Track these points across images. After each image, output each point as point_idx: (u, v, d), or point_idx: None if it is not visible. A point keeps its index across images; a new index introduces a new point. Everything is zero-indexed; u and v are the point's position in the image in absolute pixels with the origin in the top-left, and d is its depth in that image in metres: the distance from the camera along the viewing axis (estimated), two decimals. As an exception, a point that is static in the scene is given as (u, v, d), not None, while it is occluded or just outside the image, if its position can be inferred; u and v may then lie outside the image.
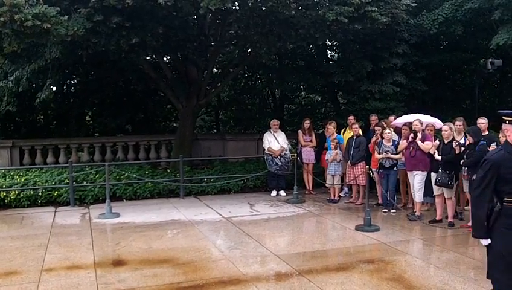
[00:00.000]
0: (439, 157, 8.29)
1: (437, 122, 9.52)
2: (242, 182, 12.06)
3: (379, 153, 9.59)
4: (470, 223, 8.11)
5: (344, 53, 15.01)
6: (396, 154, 9.47)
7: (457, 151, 8.27)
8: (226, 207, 10.26)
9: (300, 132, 12.03)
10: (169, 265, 6.48)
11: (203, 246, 7.41)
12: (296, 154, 11.60)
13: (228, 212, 9.74)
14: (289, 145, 11.95)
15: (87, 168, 11.58)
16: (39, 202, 10.54)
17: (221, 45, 13.17)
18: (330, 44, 16.47)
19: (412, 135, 9.06)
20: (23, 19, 8.55)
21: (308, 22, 10.42)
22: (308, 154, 11.81)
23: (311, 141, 11.90)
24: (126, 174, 11.27)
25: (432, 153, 8.60)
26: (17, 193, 10.48)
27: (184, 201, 11.02)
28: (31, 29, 8.78)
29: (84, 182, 11.02)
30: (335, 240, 7.85)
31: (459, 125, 8.90)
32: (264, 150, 11.81)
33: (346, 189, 11.55)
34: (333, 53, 17.32)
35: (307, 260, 6.67)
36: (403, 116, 10.45)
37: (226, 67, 15.96)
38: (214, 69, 16.50)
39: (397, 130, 10.14)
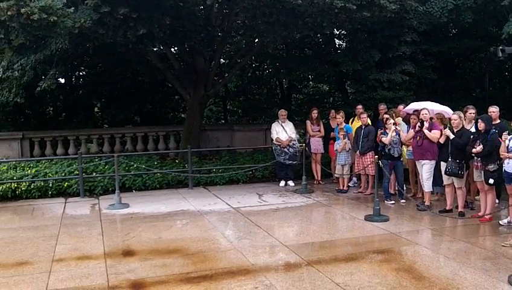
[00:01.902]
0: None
1: (446, 111, 9.44)
2: (250, 172, 12.07)
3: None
4: (481, 213, 8.14)
5: (352, 42, 14.93)
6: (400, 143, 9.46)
7: (442, 141, 8.39)
8: (234, 197, 10.28)
9: (308, 122, 11.99)
10: (179, 255, 6.51)
11: (212, 236, 7.43)
12: (304, 144, 11.57)
13: (237, 203, 9.75)
14: (297, 136, 11.92)
15: (97, 160, 11.65)
16: (49, 193, 10.62)
17: (228, 35, 13.12)
18: (338, 33, 16.39)
19: (418, 124, 8.98)
20: (29, 12, 8.56)
21: (315, 11, 10.34)
22: (316, 144, 11.77)
23: (319, 130, 11.85)
24: (135, 165, 11.32)
25: (441, 142, 8.53)
26: (27, 184, 10.57)
27: (193, 191, 11.05)
28: (37, 22, 8.80)
29: (94, 173, 11.09)
30: (344, 230, 7.84)
31: (472, 113, 8.80)
32: (272, 140, 11.79)
33: (355, 179, 11.52)
34: (341, 42, 17.23)
35: (315, 250, 6.67)
36: (413, 103, 10.40)
37: (233, 58, 15.91)
38: (221, 60, 16.47)
39: (406, 119, 10.09)
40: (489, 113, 8.38)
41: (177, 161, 12.48)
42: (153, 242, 7.15)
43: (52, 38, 11.67)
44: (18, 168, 11.31)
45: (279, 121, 11.77)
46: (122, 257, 6.52)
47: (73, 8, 9.49)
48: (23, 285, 5.60)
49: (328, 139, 11.85)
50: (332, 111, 12.16)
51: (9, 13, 8.57)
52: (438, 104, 9.76)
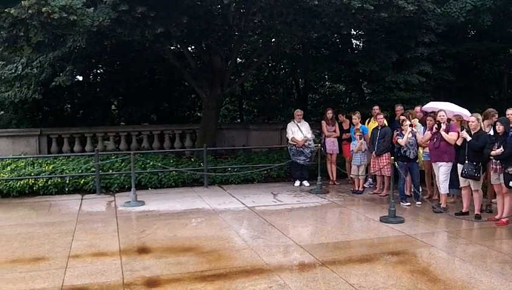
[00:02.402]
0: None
1: (464, 114, 9.33)
2: (265, 171, 12.08)
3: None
4: (497, 216, 8.04)
5: (369, 42, 14.85)
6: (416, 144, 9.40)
7: (459, 143, 8.35)
8: (249, 197, 10.29)
9: (323, 122, 11.96)
10: (193, 253, 6.55)
11: (226, 235, 7.46)
12: (319, 145, 11.55)
13: (251, 202, 9.77)
14: (313, 136, 11.89)
15: (113, 157, 11.76)
16: (66, 189, 10.74)
17: (245, 34, 13.14)
18: (355, 33, 16.31)
19: (435, 125, 8.91)
20: (50, 11, 8.66)
21: (332, 11, 10.31)
22: (331, 145, 11.74)
23: (334, 131, 11.82)
24: (151, 163, 11.40)
25: (458, 144, 8.46)
26: (45, 180, 10.69)
27: (208, 190, 11.10)
28: (57, 21, 8.90)
29: (110, 171, 11.20)
30: (359, 231, 7.81)
31: (510, 114, 8.33)
32: (288, 140, 11.79)
33: (370, 180, 11.46)
34: (358, 42, 17.14)
35: (330, 250, 6.66)
36: (431, 102, 10.34)
37: (249, 57, 15.94)
38: (238, 59, 16.50)
39: (422, 121, 10.02)
40: (507, 116, 8.26)
41: (192, 160, 12.54)
42: (168, 240, 7.20)
43: (70, 36, 11.80)
44: (35, 165, 11.46)
45: (295, 121, 11.76)
46: (138, 254, 6.57)
47: (92, 8, 9.58)
48: (39, 280, 5.67)
49: (341, 140, 11.82)
50: (340, 115, 12.10)
51: (30, 11, 8.69)
52: (455, 106, 9.67)
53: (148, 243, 7.03)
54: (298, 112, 11.95)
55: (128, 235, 7.51)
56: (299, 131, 11.58)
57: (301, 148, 11.42)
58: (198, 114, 18.83)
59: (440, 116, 8.90)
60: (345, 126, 11.81)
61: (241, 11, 12.34)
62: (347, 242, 7.08)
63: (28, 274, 5.87)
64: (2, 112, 15.70)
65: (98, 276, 5.77)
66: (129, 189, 10.13)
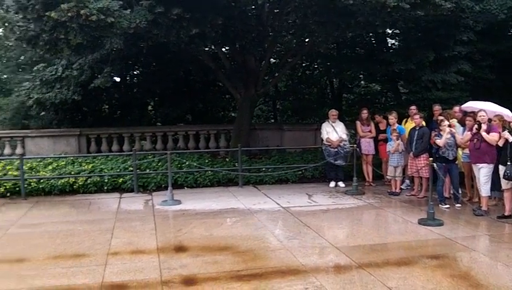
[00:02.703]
0: None
1: (506, 114, 9.09)
2: (300, 172, 12.04)
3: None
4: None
5: (405, 41, 14.63)
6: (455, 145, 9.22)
7: (500, 144, 8.15)
8: (284, 197, 10.28)
9: (358, 123, 11.85)
10: (229, 253, 6.59)
11: (261, 235, 7.47)
12: (355, 145, 11.44)
13: (286, 202, 9.76)
14: (348, 136, 11.79)
15: (150, 157, 11.95)
16: (105, 188, 10.96)
17: (278, 34, 13.15)
18: (390, 32, 16.09)
19: (476, 126, 8.70)
20: (88, 13, 8.88)
21: (368, 10, 10.20)
22: (367, 145, 11.62)
23: (370, 131, 11.70)
24: (187, 163, 11.52)
25: (500, 145, 8.25)
26: (84, 179, 10.95)
27: (242, 190, 11.14)
28: (95, 23, 9.11)
29: (147, 170, 11.37)
30: (396, 233, 7.70)
31: None
32: (322, 140, 11.72)
33: (407, 181, 11.28)
34: (394, 41, 16.90)
35: (366, 253, 6.59)
36: (471, 102, 10.12)
37: (283, 57, 15.92)
38: (272, 59, 16.51)
39: (461, 121, 9.80)
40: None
41: (227, 160, 12.62)
42: (204, 239, 7.27)
43: (107, 38, 12.04)
44: (75, 164, 11.75)
45: (330, 121, 11.68)
46: (175, 253, 6.66)
47: (129, 10, 9.75)
48: (80, 276, 5.81)
49: (377, 140, 11.69)
50: (377, 116, 11.96)
51: (69, 14, 8.92)
52: (496, 105, 9.42)
53: (185, 242, 7.11)
54: (333, 112, 11.87)
55: (166, 233, 7.61)
56: (333, 131, 11.50)
57: (336, 149, 11.34)
58: (233, 114, 18.93)
59: (480, 116, 8.69)
60: (382, 127, 11.66)
61: (275, 11, 12.35)
62: (384, 244, 7.00)
63: (69, 270, 6.02)
64: (43, 113, 16.13)
65: (137, 273, 5.87)
66: (166, 188, 10.26)
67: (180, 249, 6.82)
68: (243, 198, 10.19)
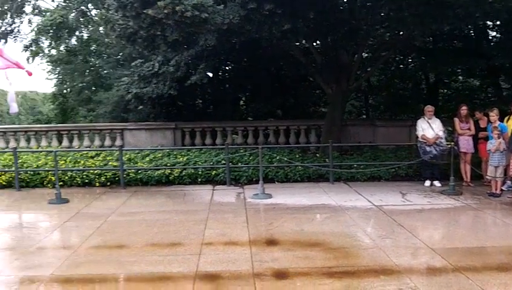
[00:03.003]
0: None
1: None
2: (393, 170, 11.70)
3: None
4: None
5: (508, 33, 13.70)
6: None
7: None
8: (376, 195, 10.05)
9: (456, 119, 11.28)
10: (320, 249, 6.57)
11: (353, 232, 7.37)
12: (452, 143, 10.92)
13: (379, 200, 9.54)
14: (445, 133, 11.28)
15: (242, 151, 12.18)
16: (199, 180, 11.35)
17: (371, 28, 12.82)
18: (491, 24, 15.13)
19: None
20: (183, 10, 9.20)
21: (467, 0, 9.66)
22: (465, 143, 11.04)
23: (469, 128, 11.10)
24: (278, 157, 11.62)
25: None
26: (179, 171, 11.41)
27: (333, 186, 11.04)
28: (190, 19, 9.43)
29: (239, 163, 11.62)
30: (496, 237, 7.25)
31: None
32: (417, 137, 11.30)
33: (509, 182, 10.58)
34: (495, 33, 15.90)
35: (464, 256, 6.28)
36: None
37: (376, 51, 15.51)
38: (364, 53, 16.14)
39: None
40: None
41: (318, 155, 12.55)
42: (295, 234, 7.30)
43: (201, 34, 12.40)
44: (171, 156, 12.26)
45: (426, 118, 11.23)
46: (266, 246, 6.76)
47: (222, 5, 9.98)
48: (176, 264, 6.07)
49: (477, 139, 11.07)
50: (477, 112, 11.32)
51: (165, 11, 9.30)
52: None
53: (276, 236, 7.19)
54: (429, 108, 11.40)
55: (257, 226, 7.74)
56: (429, 128, 11.05)
57: (432, 146, 10.90)
58: (323, 110, 18.77)
59: None
60: (482, 124, 11.04)
61: (368, 4, 12.04)
62: (483, 248, 6.63)
63: (166, 258, 6.31)
64: (141, 106, 16.94)
65: (230, 264, 6.03)
66: (257, 182, 10.43)
67: (271, 242, 6.91)
68: (334, 194, 10.10)
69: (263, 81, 16.92)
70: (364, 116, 20.62)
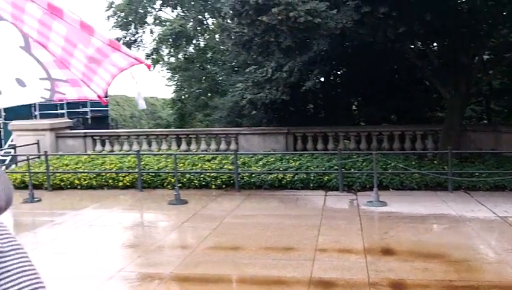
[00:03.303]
0: None
1: None
2: (519, 179, 10.86)
3: None
4: None
5: None
6: None
7: None
8: (500, 205, 9.37)
9: None
10: (439, 261, 6.31)
11: (475, 245, 6.99)
12: None
13: (503, 212, 8.88)
14: None
15: (355, 156, 12.02)
16: (311, 185, 11.36)
17: (493, 28, 12.04)
18: None
19: None
20: (297, 15, 9.33)
21: None
22: None
23: None
24: (392, 164, 11.31)
25: None
26: (292, 175, 11.52)
27: (452, 195, 10.47)
28: (303, 24, 9.53)
29: (352, 169, 11.47)
30: None
31: None
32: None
33: None
34: None
35: None
36: None
37: (499, 53, 14.54)
38: (485, 55, 15.19)
39: None
40: None
41: (435, 162, 12.01)
42: (412, 244, 7.07)
43: (314, 40, 12.46)
44: (283, 161, 12.42)
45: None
46: (382, 255, 6.63)
47: (335, 9, 9.96)
48: (290, 269, 6.16)
49: None
50: None
51: (279, 17, 9.51)
52: None
53: (392, 245, 7.02)
54: None
55: (372, 234, 7.61)
56: None
57: None
58: (440, 114, 17.92)
59: None
60: None
61: (489, 3, 11.33)
62: None
63: (279, 262, 6.43)
64: (254, 112, 17.41)
65: (344, 272, 6.00)
66: (370, 189, 10.24)
67: (387, 252, 6.77)
68: (453, 204, 9.60)
69: (376, 85, 16.57)
70: (485, 122, 19.35)
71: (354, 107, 19.27)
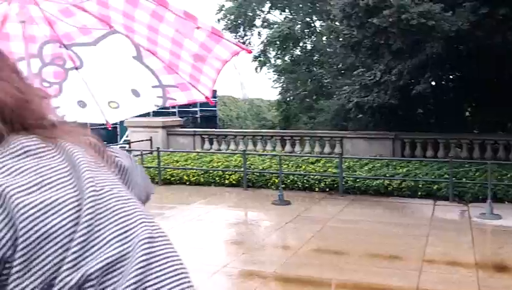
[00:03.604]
0: None
1: None
2: None
3: None
4: None
5: None
6: None
7: None
8: None
9: None
10: None
11: None
12: None
13: None
14: None
15: (467, 165, 11.44)
16: (419, 193, 10.97)
17: None
18: None
19: None
20: (409, 18, 9.08)
21: None
22: None
23: None
24: (509, 175, 10.59)
25: None
26: (399, 182, 11.21)
27: None
28: (416, 26, 9.26)
29: (464, 179, 10.91)
30: None
31: None
32: None
33: None
34: None
35: None
36: None
37: None
38: None
39: None
40: None
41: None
42: (530, 262, 6.61)
43: (427, 42, 12.01)
44: (390, 167, 12.10)
45: None
46: (495, 271, 6.30)
47: (450, 11, 9.55)
48: (396, 278, 6.03)
49: None
50: None
51: (390, 20, 9.31)
52: None
53: (508, 261, 6.62)
54: None
55: (484, 249, 7.25)
56: None
57: None
58: None
59: None
60: None
61: None
62: None
63: (384, 270, 6.32)
64: (361, 115, 17.11)
65: (452, 286, 5.79)
66: (483, 200, 9.68)
67: (501, 268, 6.42)
68: None
69: (492, 91, 15.57)
70: None
71: (467, 113, 18.24)
